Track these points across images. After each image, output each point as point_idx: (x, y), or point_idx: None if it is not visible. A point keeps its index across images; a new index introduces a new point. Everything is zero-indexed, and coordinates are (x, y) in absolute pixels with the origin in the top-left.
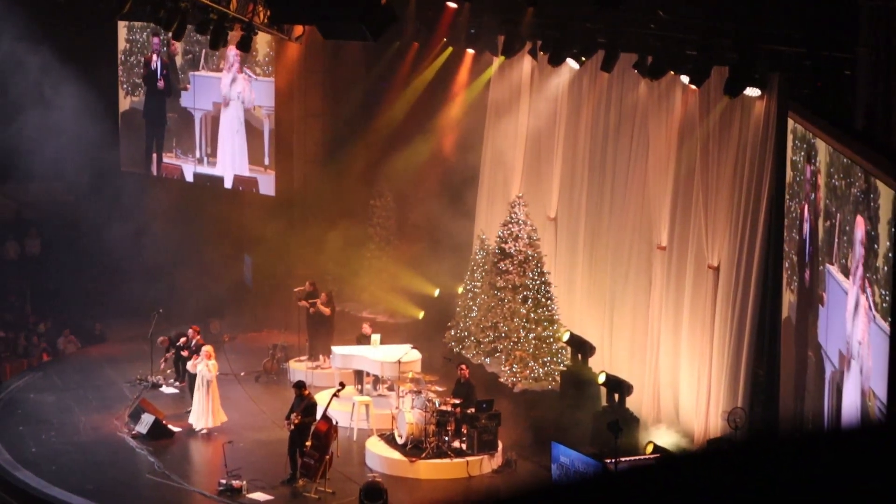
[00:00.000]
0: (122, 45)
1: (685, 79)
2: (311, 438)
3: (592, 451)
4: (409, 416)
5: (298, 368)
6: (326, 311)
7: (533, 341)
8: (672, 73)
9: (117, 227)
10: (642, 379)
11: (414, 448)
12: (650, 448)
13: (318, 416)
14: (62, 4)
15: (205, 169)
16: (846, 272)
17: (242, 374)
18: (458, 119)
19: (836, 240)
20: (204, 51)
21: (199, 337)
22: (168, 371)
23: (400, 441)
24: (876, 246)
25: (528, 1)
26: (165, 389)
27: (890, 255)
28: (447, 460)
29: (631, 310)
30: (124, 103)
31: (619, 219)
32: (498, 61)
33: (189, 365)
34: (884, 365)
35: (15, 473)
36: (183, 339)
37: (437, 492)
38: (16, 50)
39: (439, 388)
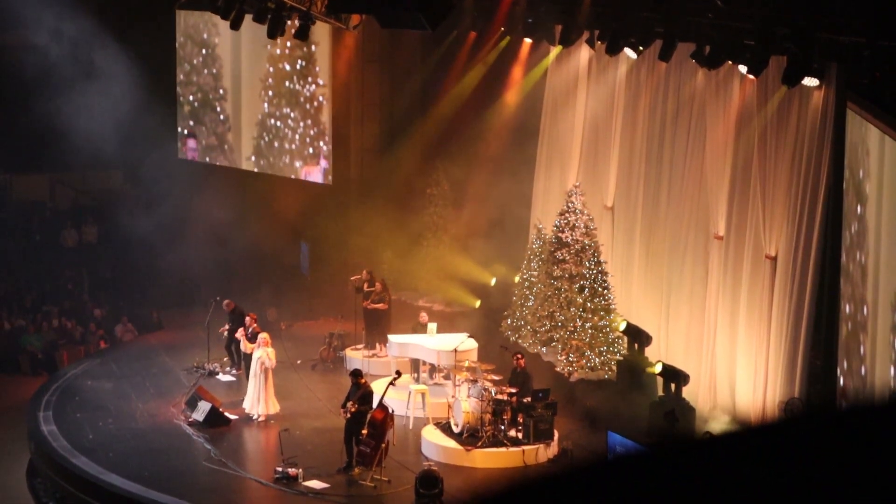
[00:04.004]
0: (179, 34)
1: (743, 68)
2: (367, 427)
3: (649, 441)
4: (465, 404)
5: (355, 357)
6: (382, 307)
7: (589, 330)
8: (730, 62)
9: (173, 216)
10: (699, 369)
11: (470, 437)
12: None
13: (375, 404)
14: None
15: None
16: None
17: (299, 362)
18: (515, 108)
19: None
20: None
21: (255, 325)
22: (225, 336)
23: (456, 430)
24: None
25: None
26: (222, 377)
27: None
28: (503, 449)
29: (687, 299)
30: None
31: (677, 208)
32: (555, 51)
33: (242, 346)
34: None
35: (72, 460)
36: (241, 331)
37: (493, 481)
38: (73, 39)
39: (495, 377)
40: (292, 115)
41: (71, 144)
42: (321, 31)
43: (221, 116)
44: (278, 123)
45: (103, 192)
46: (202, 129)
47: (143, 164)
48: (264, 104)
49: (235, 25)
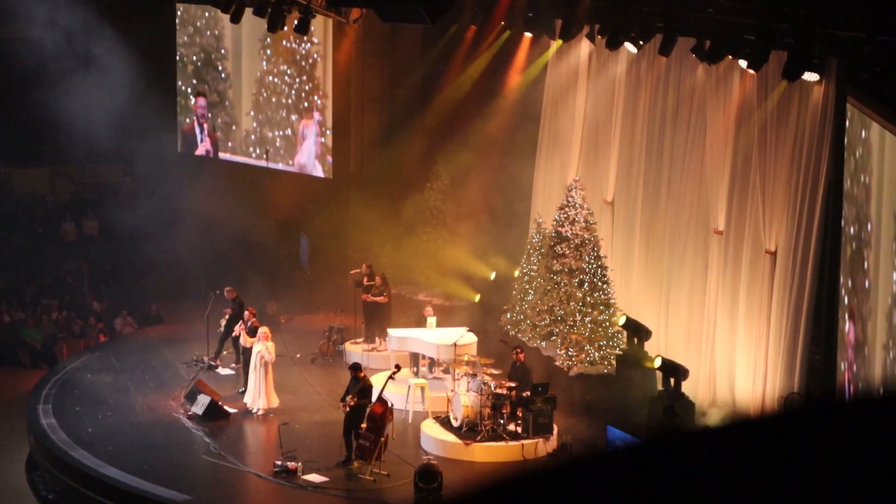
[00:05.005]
0: (179, 27)
1: (743, 63)
2: (366, 420)
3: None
4: (464, 398)
5: (354, 350)
6: (382, 300)
7: (589, 325)
8: (730, 57)
9: (172, 209)
10: (698, 363)
11: (469, 431)
12: None
13: (374, 398)
14: None
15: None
16: None
17: (298, 355)
18: (515, 102)
19: None
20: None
21: (254, 319)
22: (223, 326)
23: (455, 424)
24: None
25: None
26: (222, 371)
27: None
28: (502, 443)
29: (687, 294)
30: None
31: (676, 203)
32: (555, 45)
33: (242, 339)
34: None
35: (71, 453)
36: (240, 326)
37: (493, 475)
38: (72, 32)
39: (495, 371)
40: (289, 71)
41: (70, 137)
42: (321, 24)
43: (223, 75)
44: (276, 80)
45: (103, 185)
46: (205, 88)
47: (142, 158)
48: (263, 62)
49: (236, 19)
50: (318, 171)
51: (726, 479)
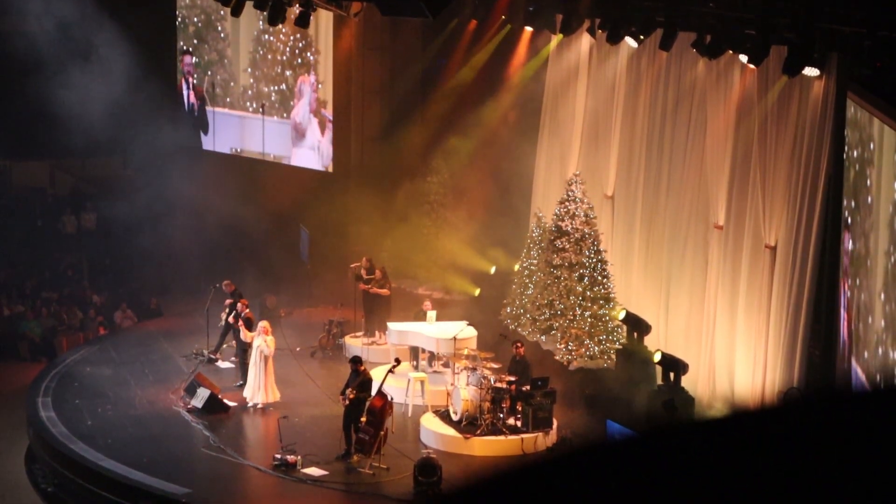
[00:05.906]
0: (179, 18)
1: (744, 58)
2: (365, 414)
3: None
4: (464, 392)
5: (354, 344)
6: (385, 292)
7: (589, 319)
8: (730, 52)
9: (171, 202)
10: (698, 358)
11: (469, 425)
12: None
13: (374, 391)
14: None
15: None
16: None
17: (298, 349)
18: (515, 96)
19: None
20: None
21: (247, 310)
22: (223, 318)
23: (455, 418)
24: None
25: None
26: (221, 364)
27: None
28: (502, 437)
29: (687, 288)
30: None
31: (677, 197)
32: (556, 39)
33: (241, 334)
34: None
35: (70, 446)
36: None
37: (492, 469)
38: (72, 26)
39: (494, 365)
40: (284, 29)
41: (69, 130)
42: (321, 18)
43: (222, 35)
44: (271, 38)
45: (103, 178)
46: (205, 47)
47: (140, 150)
48: (259, 21)
49: (236, 13)
50: (314, 126)
51: (724, 472)
